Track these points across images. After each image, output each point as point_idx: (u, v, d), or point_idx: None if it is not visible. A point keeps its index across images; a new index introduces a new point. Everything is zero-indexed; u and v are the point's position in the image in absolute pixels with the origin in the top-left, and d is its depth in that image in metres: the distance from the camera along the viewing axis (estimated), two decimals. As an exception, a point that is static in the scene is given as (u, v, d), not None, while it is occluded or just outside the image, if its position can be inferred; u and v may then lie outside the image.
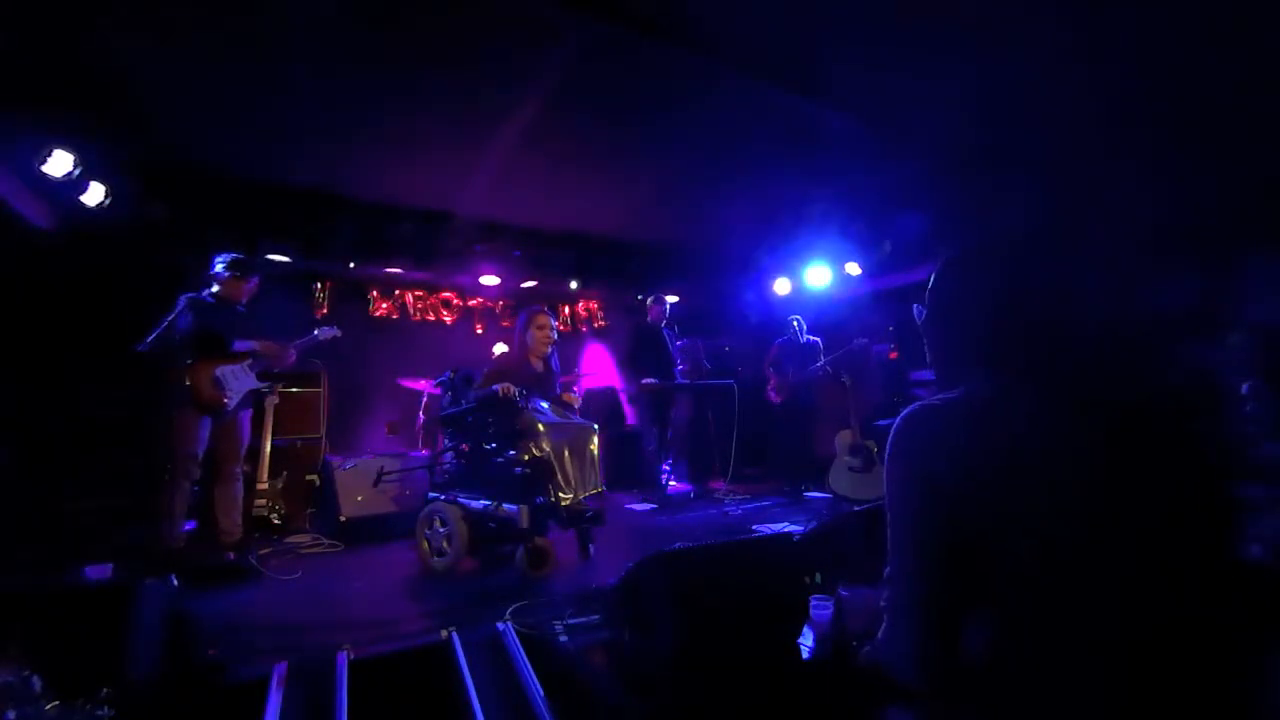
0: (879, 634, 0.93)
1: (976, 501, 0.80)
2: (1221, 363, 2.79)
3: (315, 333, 3.79)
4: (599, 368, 7.07)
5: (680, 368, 5.31)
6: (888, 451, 0.90)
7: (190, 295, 3.43)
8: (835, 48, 3.00)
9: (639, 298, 6.79)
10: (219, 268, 3.52)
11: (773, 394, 5.35)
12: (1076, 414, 0.83)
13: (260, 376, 3.57)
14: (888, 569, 0.89)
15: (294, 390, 4.86)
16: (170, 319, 3.38)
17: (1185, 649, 0.74)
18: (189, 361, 3.36)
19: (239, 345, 3.51)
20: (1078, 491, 0.78)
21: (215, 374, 3.38)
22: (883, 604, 0.91)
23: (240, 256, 3.61)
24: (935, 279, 1.02)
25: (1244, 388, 2.71)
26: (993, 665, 0.79)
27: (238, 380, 3.45)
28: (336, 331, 3.92)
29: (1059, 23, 2.75)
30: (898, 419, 0.90)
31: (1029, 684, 0.77)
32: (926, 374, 5.27)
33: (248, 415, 3.64)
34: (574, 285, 6.34)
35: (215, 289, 3.51)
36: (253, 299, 3.68)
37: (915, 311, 1.07)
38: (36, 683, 1.47)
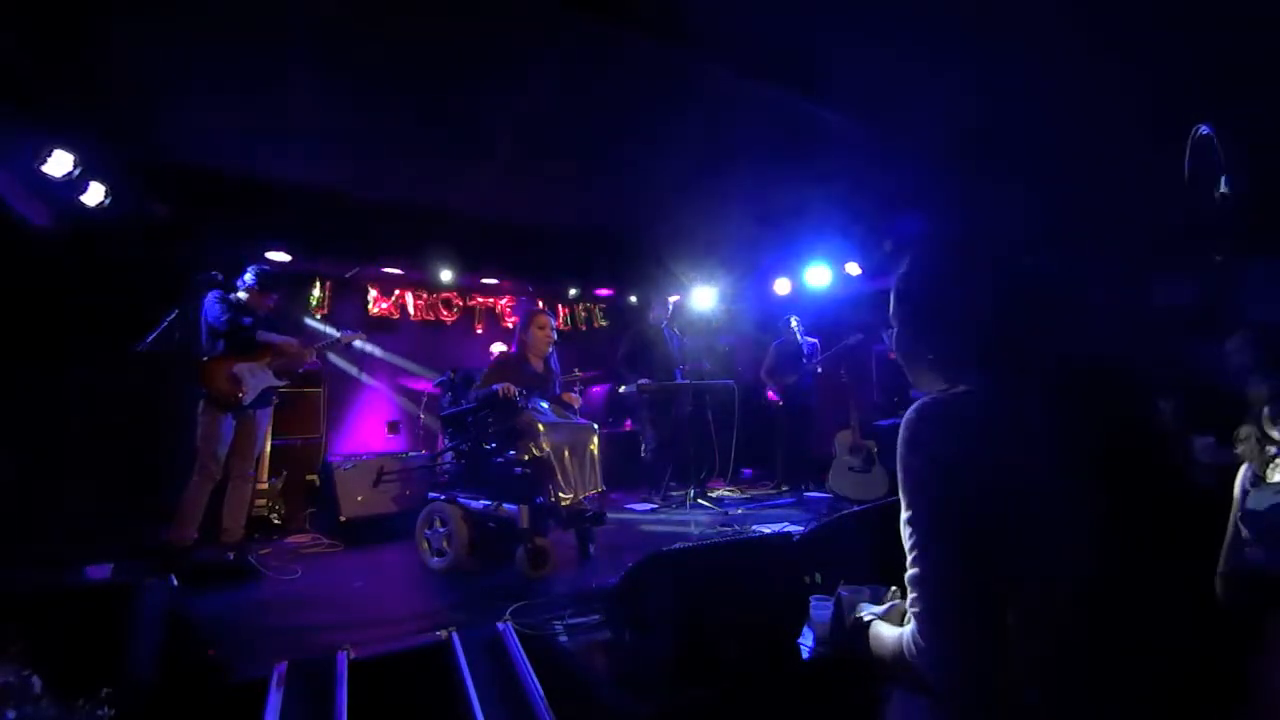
0: (909, 637, 0.88)
1: (991, 499, 0.80)
2: (1221, 363, 2.79)
3: (338, 334, 3.88)
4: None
5: (681, 367, 5.31)
6: (902, 448, 0.88)
7: (221, 292, 3.51)
8: (834, 47, 3.00)
9: (632, 299, 6.80)
10: (248, 277, 3.62)
11: (771, 394, 5.36)
12: (1074, 418, 0.83)
13: (278, 375, 3.62)
14: (914, 571, 0.86)
15: (294, 390, 4.86)
16: (172, 318, 3.39)
17: (1183, 655, 0.74)
18: (205, 357, 3.39)
19: (265, 336, 3.58)
20: (1078, 496, 0.78)
21: (233, 370, 3.43)
22: (911, 608, 0.87)
23: (269, 270, 3.71)
24: (922, 276, 1.01)
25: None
26: (1009, 664, 0.78)
27: (255, 377, 3.50)
28: (359, 334, 4.02)
29: (1057, 21, 2.75)
30: (910, 412, 0.88)
31: (1036, 685, 0.77)
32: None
33: (266, 415, 3.67)
34: (574, 285, 6.36)
35: (242, 295, 3.59)
36: (270, 312, 3.77)
37: (886, 338, 1.06)
38: (36, 683, 1.47)
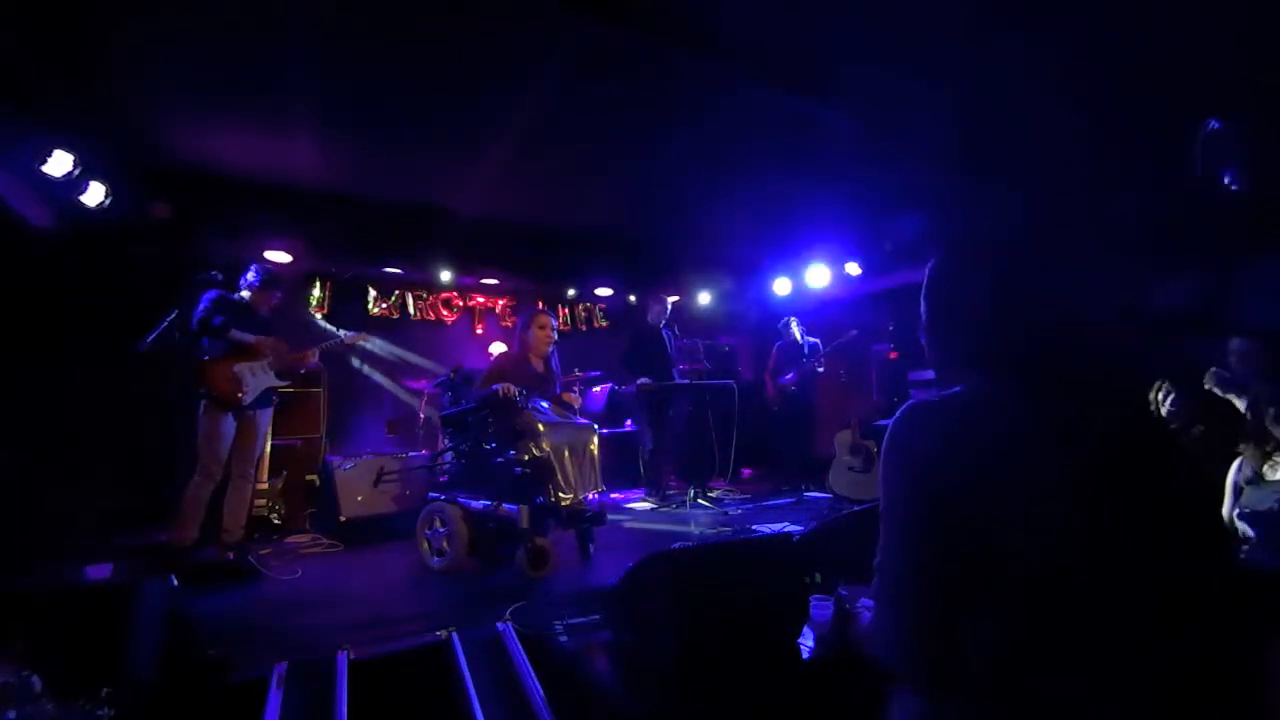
0: (870, 619, 0.92)
1: (969, 499, 0.80)
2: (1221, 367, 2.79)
3: (341, 335, 3.91)
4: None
5: (680, 367, 5.31)
6: (884, 444, 0.90)
7: (221, 292, 3.52)
8: (835, 47, 3.00)
9: (631, 299, 6.80)
10: (250, 276, 3.63)
11: (770, 389, 5.38)
12: (1068, 419, 0.83)
13: (279, 375, 3.63)
14: (878, 558, 0.89)
15: (294, 390, 4.86)
16: (172, 318, 3.39)
17: (1179, 654, 0.74)
18: (205, 357, 3.40)
19: (238, 335, 3.50)
20: (1066, 496, 0.78)
21: (234, 370, 3.43)
22: (872, 590, 0.91)
23: (271, 268, 3.72)
24: (932, 277, 1.02)
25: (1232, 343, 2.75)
26: (987, 661, 0.79)
27: (255, 377, 3.50)
28: (363, 334, 4.07)
29: (1057, 20, 2.75)
30: (898, 412, 0.90)
31: (1020, 682, 0.77)
32: (926, 374, 5.28)
33: (267, 415, 3.66)
34: (574, 285, 6.36)
35: (245, 294, 3.61)
36: (273, 310, 3.79)
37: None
38: (36, 683, 1.47)
